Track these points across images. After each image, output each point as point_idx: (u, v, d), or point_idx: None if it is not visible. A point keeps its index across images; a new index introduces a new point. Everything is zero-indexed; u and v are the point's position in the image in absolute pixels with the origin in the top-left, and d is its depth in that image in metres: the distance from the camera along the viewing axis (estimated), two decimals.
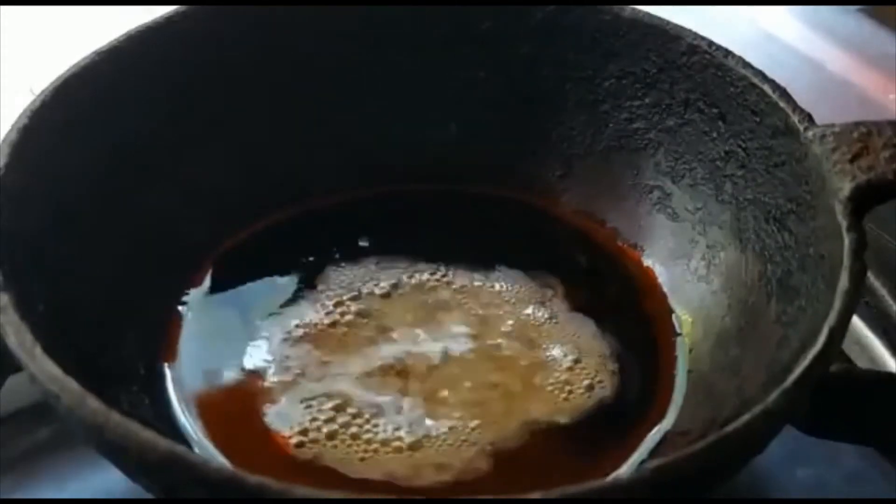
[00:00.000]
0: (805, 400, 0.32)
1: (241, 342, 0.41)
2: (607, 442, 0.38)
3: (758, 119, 0.40)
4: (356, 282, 0.43)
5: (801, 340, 0.34)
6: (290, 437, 0.37)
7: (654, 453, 0.37)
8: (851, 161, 0.35)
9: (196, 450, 0.37)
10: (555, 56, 0.45)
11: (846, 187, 0.35)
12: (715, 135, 0.42)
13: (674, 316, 0.42)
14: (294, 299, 0.42)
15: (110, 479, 0.33)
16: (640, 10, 0.43)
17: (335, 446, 0.37)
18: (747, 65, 0.41)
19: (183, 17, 0.43)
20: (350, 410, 0.38)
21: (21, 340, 0.31)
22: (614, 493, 0.29)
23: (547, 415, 0.39)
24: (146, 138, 0.42)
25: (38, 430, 0.41)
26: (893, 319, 0.45)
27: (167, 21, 0.42)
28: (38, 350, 0.31)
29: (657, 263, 0.44)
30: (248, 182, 0.45)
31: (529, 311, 0.42)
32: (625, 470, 0.37)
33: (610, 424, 0.39)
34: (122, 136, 0.41)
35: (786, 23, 0.63)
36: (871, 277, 0.45)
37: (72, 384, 0.30)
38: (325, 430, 0.38)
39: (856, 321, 0.45)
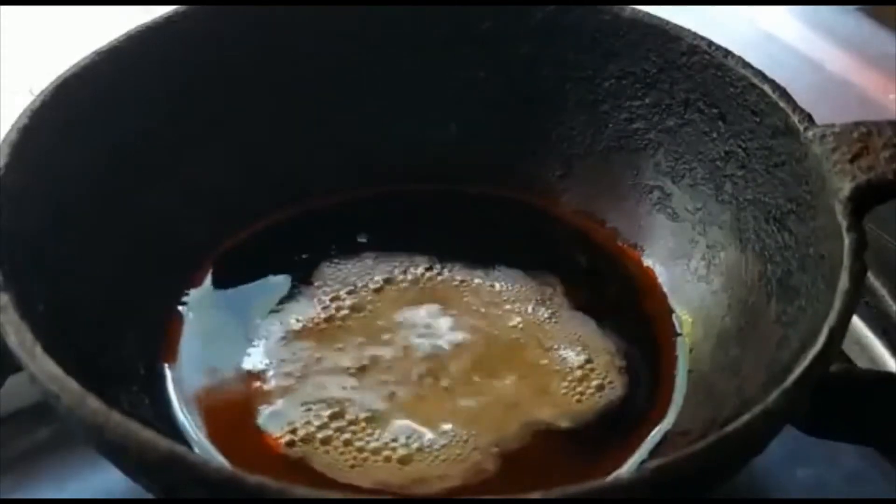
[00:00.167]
0: (805, 400, 0.32)
1: (241, 342, 0.41)
2: (608, 442, 0.38)
3: (758, 119, 0.40)
4: (356, 280, 0.43)
5: (801, 340, 0.34)
6: (283, 440, 0.37)
7: (654, 453, 0.37)
8: (851, 161, 0.36)
9: (196, 450, 0.37)
10: (555, 56, 0.45)
11: (846, 187, 0.35)
12: (715, 135, 0.42)
13: (674, 316, 0.42)
14: (294, 299, 0.42)
15: (110, 479, 0.33)
16: (640, 10, 0.43)
17: (327, 451, 0.37)
18: (747, 65, 0.41)
19: (183, 17, 0.43)
20: (347, 417, 0.38)
21: (21, 340, 0.31)
22: (614, 493, 0.29)
23: (555, 417, 0.39)
24: (146, 138, 0.42)
25: (38, 430, 0.41)
26: (893, 319, 0.45)
27: (167, 21, 0.42)
28: (38, 350, 0.31)
29: (657, 263, 0.44)
30: (248, 182, 0.45)
31: (530, 310, 0.42)
32: (625, 470, 0.37)
33: (611, 424, 0.39)
34: (122, 136, 0.41)
35: (786, 23, 0.63)
36: (871, 277, 0.45)
37: (72, 384, 0.30)
38: (319, 435, 0.37)
39: (856, 321, 0.45)
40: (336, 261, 0.44)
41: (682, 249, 0.43)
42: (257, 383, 0.39)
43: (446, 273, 0.44)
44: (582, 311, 0.42)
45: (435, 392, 0.39)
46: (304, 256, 0.44)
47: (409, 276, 0.43)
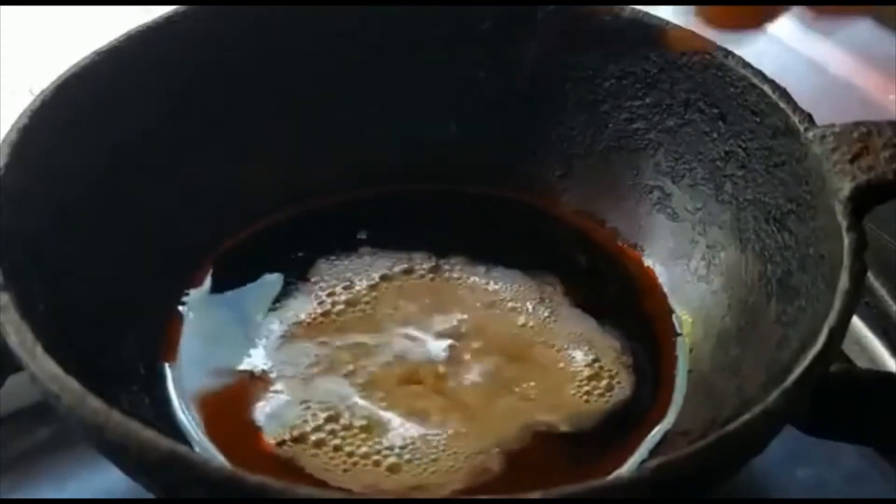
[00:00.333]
0: (805, 400, 0.32)
1: (241, 341, 0.41)
2: (608, 442, 0.38)
3: (758, 119, 0.40)
4: (355, 278, 0.43)
5: (801, 340, 0.34)
6: (278, 441, 0.37)
7: (654, 453, 0.37)
8: (851, 161, 0.36)
9: (196, 449, 0.37)
10: (555, 56, 0.45)
11: (846, 187, 0.35)
12: (715, 135, 0.42)
13: (674, 316, 0.42)
14: (294, 298, 0.42)
15: (110, 479, 0.33)
16: (640, 10, 0.44)
17: (315, 455, 0.37)
18: (747, 65, 0.41)
19: (183, 17, 0.43)
20: (342, 421, 0.38)
21: (21, 340, 0.32)
22: (614, 493, 0.29)
23: (559, 420, 0.39)
24: (146, 138, 0.42)
25: (38, 430, 0.41)
26: (893, 319, 0.45)
27: (167, 21, 0.42)
28: (38, 349, 0.31)
29: (657, 263, 0.44)
30: (248, 182, 0.45)
31: (530, 310, 0.42)
32: (625, 470, 0.37)
33: (611, 424, 0.39)
34: (122, 136, 0.41)
35: (786, 23, 0.63)
36: (871, 277, 0.45)
37: (72, 384, 0.30)
38: (313, 437, 0.37)
39: (856, 321, 0.45)
40: (335, 259, 0.44)
41: (682, 249, 0.43)
42: (257, 383, 0.39)
43: (446, 273, 0.44)
44: (582, 310, 0.42)
45: (433, 395, 0.39)
46: (303, 256, 0.44)
47: (409, 276, 0.43)
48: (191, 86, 0.43)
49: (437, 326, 0.41)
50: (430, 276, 0.43)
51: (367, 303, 0.42)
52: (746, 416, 0.30)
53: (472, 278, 0.43)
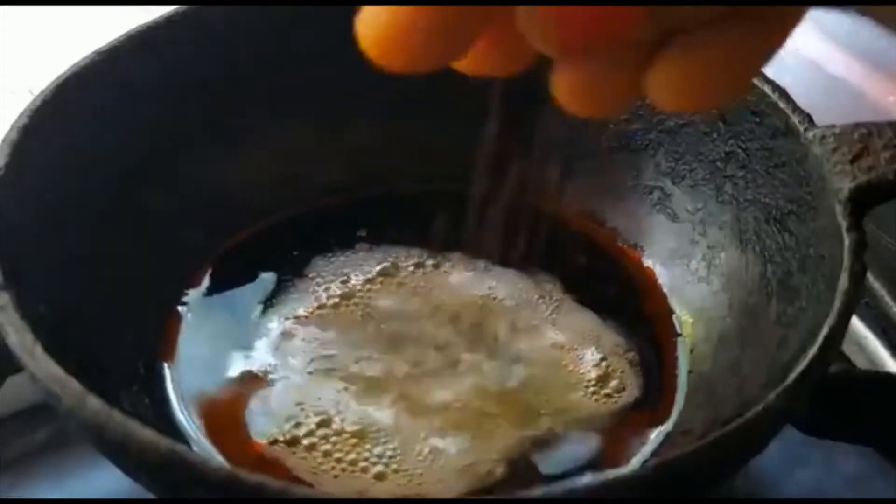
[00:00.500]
0: (805, 400, 0.32)
1: (240, 341, 0.41)
2: (608, 442, 0.38)
3: (758, 120, 0.40)
4: (354, 277, 0.43)
5: (801, 341, 0.34)
6: (271, 443, 0.37)
7: (654, 453, 0.38)
8: (851, 162, 0.36)
9: (195, 449, 0.37)
10: None
11: (846, 188, 0.35)
12: (715, 135, 0.42)
13: (674, 316, 0.42)
14: (294, 298, 0.42)
15: (110, 479, 0.33)
16: None
17: (304, 458, 0.37)
18: None
19: (183, 17, 0.43)
20: (334, 426, 0.38)
21: (21, 340, 0.31)
22: (614, 493, 0.29)
23: (564, 423, 0.39)
24: (146, 138, 0.42)
25: (38, 431, 0.41)
26: (893, 319, 0.45)
27: (167, 21, 0.42)
28: (38, 349, 0.31)
29: (657, 264, 0.44)
30: (248, 182, 0.45)
31: (530, 310, 0.42)
32: (625, 469, 0.37)
33: (612, 424, 0.39)
34: (121, 136, 0.41)
35: None
36: (871, 278, 0.45)
37: (73, 384, 0.30)
38: (304, 441, 0.37)
39: (855, 321, 0.45)
40: (334, 258, 0.44)
41: (682, 250, 0.43)
42: (255, 383, 0.39)
43: (446, 273, 0.44)
44: (581, 311, 0.42)
45: (430, 399, 0.39)
46: (302, 256, 0.44)
47: (409, 276, 0.43)
48: (191, 86, 0.43)
49: (437, 326, 0.41)
50: (431, 276, 0.43)
51: (366, 304, 0.42)
52: (746, 416, 0.30)
53: (471, 278, 0.43)
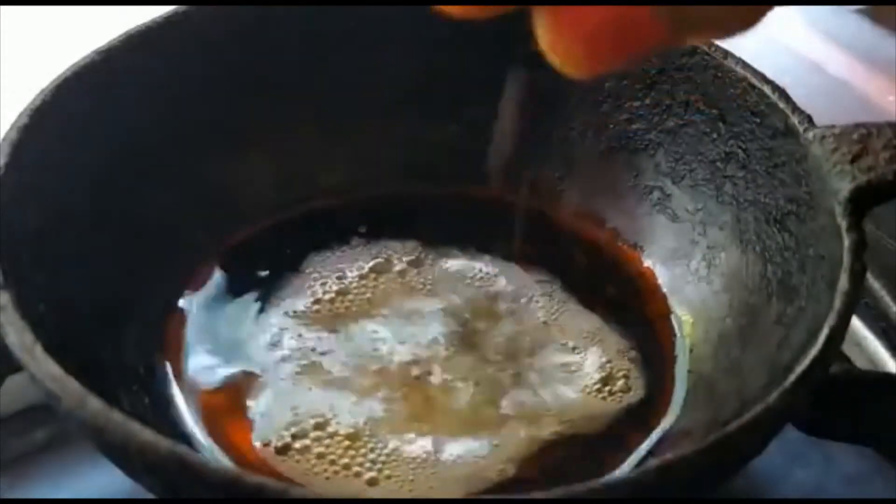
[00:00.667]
0: (805, 400, 0.32)
1: (240, 341, 0.41)
2: (608, 442, 0.38)
3: (758, 120, 0.40)
4: (354, 276, 0.43)
5: (801, 341, 0.34)
6: (267, 444, 0.37)
7: (654, 453, 0.38)
8: (851, 162, 0.36)
9: (196, 449, 0.37)
10: None
11: (846, 188, 0.35)
12: (715, 136, 0.42)
13: (674, 317, 0.42)
14: (293, 298, 0.42)
15: (110, 479, 0.33)
16: None
17: (298, 461, 0.37)
18: (747, 66, 0.41)
19: (183, 17, 0.43)
20: (329, 429, 0.38)
21: (21, 340, 0.31)
22: (615, 493, 0.29)
23: (566, 424, 0.38)
24: (146, 138, 0.42)
25: (38, 431, 0.41)
26: (893, 320, 0.45)
27: (167, 21, 0.42)
28: (38, 350, 0.31)
29: (657, 264, 0.44)
30: (248, 182, 0.45)
31: (529, 310, 0.42)
32: (626, 470, 0.37)
33: (612, 425, 0.39)
34: (121, 136, 0.41)
35: (786, 24, 0.63)
36: (871, 278, 0.45)
37: (72, 384, 0.30)
38: (296, 445, 0.37)
39: (855, 322, 0.45)
40: (334, 258, 0.44)
41: (682, 250, 0.43)
42: (254, 383, 0.39)
43: (446, 274, 0.44)
44: (581, 311, 0.42)
45: (429, 402, 0.39)
46: (302, 255, 0.44)
47: (410, 276, 0.43)
48: (190, 85, 0.43)
49: (436, 326, 0.41)
50: (431, 277, 0.43)
51: (366, 303, 0.42)
52: (747, 417, 0.30)
53: (472, 279, 0.43)
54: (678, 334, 0.42)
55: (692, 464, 0.29)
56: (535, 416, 0.39)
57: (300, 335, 0.41)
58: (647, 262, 0.44)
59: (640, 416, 0.39)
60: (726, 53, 0.41)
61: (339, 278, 0.43)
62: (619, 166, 0.45)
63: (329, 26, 0.45)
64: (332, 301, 0.42)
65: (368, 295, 0.43)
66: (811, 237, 0.37)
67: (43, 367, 0.31)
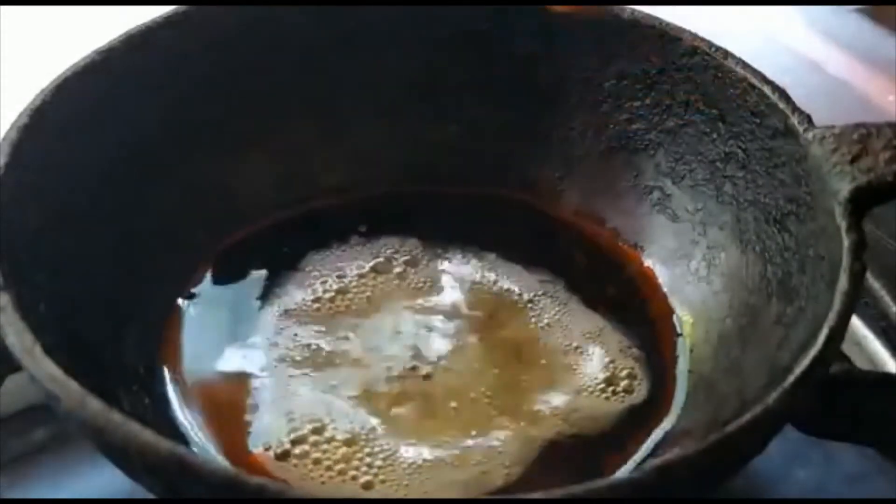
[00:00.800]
0: (805, 400, 0.32)
1: (240, 341, 0.41)
2: (608, 442, 0.38)
3: (757, 120, 0.40)
4: (356, 276, 0.43)
5: (800, 341, 0.34)
6: (266, 448, 0.37)
7: (655, 453, 0.38)
8: (851, 162, 0.36)
9: (196, 449, 0.37)
10: (555, 57, 0.45)
11: (845, 189, 0.35)
12: (715, 136, 0.42)
13: (674, 317, 0.42)
14: (294, 298, 0.42)
15: (110, 479, 0.33)
16: (640, 11, 0.44)
17: (296, 465, 0.37)
18: (747, 66, 0.41)
19: (183, 17, 0.43)
20: (326, 434, 0.37)
21: (21, 341, 0.31)
22: (615, 494, 0.29)
23: (568, 425, 0.39)
24: (146, 138, 0.42)
25: (38, 430, 0.41)
26: (893, 319, 0.45)
27: (167, 21, 0.42)
28: (37, 350, 0.31)
29: (658, 264, 0.44)
30: (248, 182, 0.45)
31: (529, 310, 0.42)
32: (626, 470, 0.37)
33: (613, 425, 0.39)
34: (121, 136, 0.41)
35: (786, 23, 0.63)
36: (871, 278, 0.45)
37: (72, 385, 0.30)
38: (295, 450, 0.37)
39: (855, 322, 0.45)
40: (335, 258, 0.44)
41: (682, 250, 0.43)
42: (253, 384, 0.39)
43: (447, 274, 0.44)
44: (581, 311, 0.42)
45: (428, 404, 0.39)
46: (302, 255, 0.44)
47: (410, 275, 0.43)
48: (190, 86, 0.43)
49: (437, 326, 0.41)
50: (430, 275, 0.43)
51: (367, 303, 0.42)
52: (747, 417, 0.30)
53: (472, 279, 0.43)
54: (678, 334, 0.42)
55: (692, 464, 0.29)
56: (536, 417, 0.39)
57: (300, 335, 0.41)
58: (648, 262, 0.44)
59: (641, 417, 0.39)
60: (726, 54, 0.41)
61: (339, 277, 0.43)
62: (619, 166, 0.45)
63: (329, 26, 0.45)
64: (332, 300, 0.42)
65: (368, 293, 0.43)
66: (811, 237, 0.37)
67: (42, 367, 0.31)
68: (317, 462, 0.37)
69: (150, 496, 0.32)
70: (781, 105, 0.39)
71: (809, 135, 0.37)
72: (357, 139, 0.46)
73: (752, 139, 0.40)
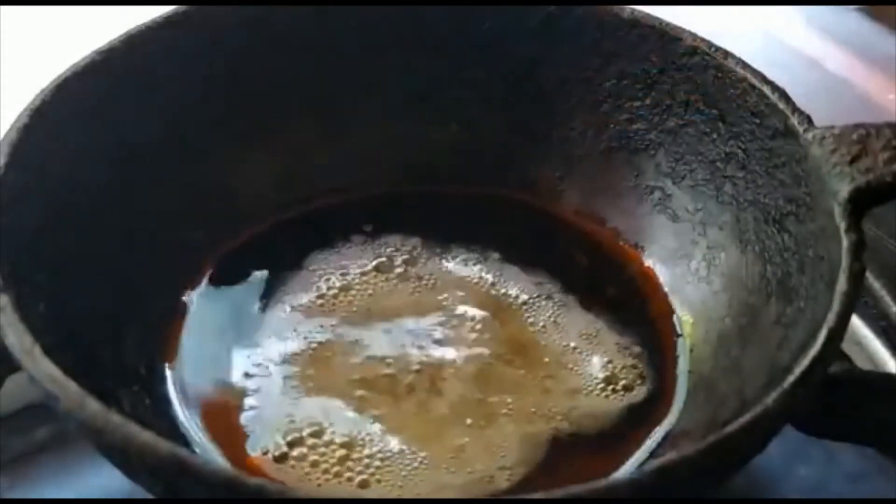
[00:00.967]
0: (805, 400, 0.32)
1: (241, 342, 0.41)
2: (609, 442, 0.38)
3: (757, 120, 0.40)
4: (358, 274, 0.43)
5: (800, 341, 0.34)
6: (264, 451, 0.37)
7: (654, 453, 0.38)
8: (850, 163, 0.36)
9: (196, 450, 0.37)
10: (555, 57, 0.45)
11: (845, 189, 0.35)
12: (715, 136, 0.42)
13: (675, 316, 0.42)
14: (294, 299, 0.42)
15: (110, 479, 0.33)
16: (640, 11, 0.43)
17: (293, 467, 0.37)
18: (747, 66, 0.41)
19: (183, 17, 0.43)
20: (325, 437, 0.37)
21: (21, 341, 0.31)
22: (614, 493, 0.29)
23: (568, 424, 0.39)
24: (146, 138, 0.42)
25: (38, 430, 0.41)
26: (893, 319, 0.45)
27: (167, 21, 0.42)
28: (37, 351, 0.31)
29: (658, 264, 0.44)
30: (249, 182, 0.45)
31: (529, 310, 0.42)
32: (626, 470, 0.37)
33: (612, 425, 0.39)
34: (121, 136, 0.41)
35: (786, 23, 0.63)
36: (871, 278, 0.45)
37: (71, 385, 0.30)
38: (294, 452, 0.37)
39: (856, 321, 0.45)
40: (335, 257, 0.44)
41: (682, 250, 0.43)
42: (253, 384, 0.39)
43: (447, 273, 0.44)
44: (582, 311, 0.42)
45: (428, 405, 0.39)
46: (303, 255, 0.44)
47: (410, 275, 0.43)
48: (191, 86, 0.43)
49: (437, 327, 0.41)
50: (430, 275, 0.43)
51: (368, 304, 0.42)
52: (747, 417, 0.30)
53: (472, 279, 0.43)
54: (679, 334, 0.42)
55: (692, 464, 0.29)
56: (536, 417, 0.39)
57: (302, 334, 0.41)
58: (648, 262, 0.44)
59: (641, 416, 0.39)
60: (726, 54, 0.41)
61: (342, 275, 0.43)
62: (619, 166, 0.45)
63: (329, 26, 0.45)
64: (335, 296, 0.42)
65: (370, 291, 0.43)
66: (810, 238, 0.37)
67: (42, 368, 0.31)
68: (314, 465, 0.37)
69: (150, 496, 0.32)
70: (781, 105, 0.39)
71: (809, 135, 0.37)
72: (357, 139, 0.46)
73: (752, 139, 0.40)
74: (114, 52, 0.41)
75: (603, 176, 0.45)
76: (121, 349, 0.39)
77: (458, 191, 0.46)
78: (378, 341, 0.41)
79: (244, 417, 0.38)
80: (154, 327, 0.40)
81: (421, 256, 0.44)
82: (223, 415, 0.39)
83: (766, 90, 0.39)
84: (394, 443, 0.37)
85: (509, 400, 0.39)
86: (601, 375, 0.40)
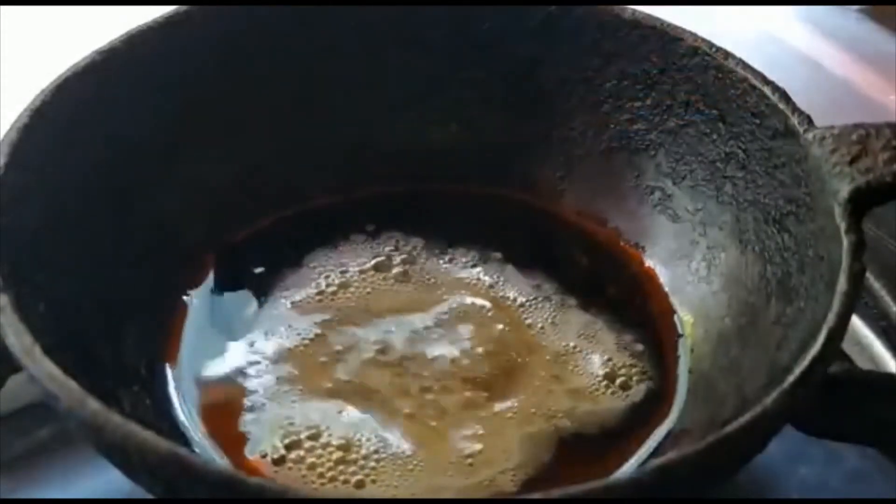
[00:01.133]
0: (805, 400, 0.32)
1: (241, 341, 0.41)
2: (608, 442, 0.38)
3: (758, 121, 0.40)
4: (357, 277, 0.43)
5: (800, 341, 0.34)
6: (262, 454, 0.37)
7: (655, 453, 0.38)
8: (850, 163, 0.36)
9: (196, 450, 0.37)
10: (555, 57, 0.45)
11: (845, 189, 0.35)
12: (715, 136, 0.42)
13: (675, 316, 0.42)
14: (294, 299, 0.42)
15: (111, 479, 0.33)
16: (640, 12, 0.44)
17: (291, 469, 0.37)
18: (747, 66, 0.41)
19: (183, 17, 0.43)
20: (322, 440, 0.37)
21: (21, 341, 0.31)
22: (614, 493, 0.29)
23: (568, 424, 0.39)
24: (146, 138, 0.42)
25: (38, 430, 0.42)
26: (893, 319, 0.45)
27: (167, 21, 0.42)
28: (37, 350, 0.31)
29: (658, 264, 0.44)
30: (248, 182, 0.45)
31: (530, 310, 0.42)
32: (626, 470, 0.37)
33: (612, 424, 0.39)
34: (122, 136, 0.41)
35: (786, 23, 0.63)
36: (871, 278, 0.45)
37: (71, 385, 0.30)
38: (291, 455, 0.37)
39: (856, 322, 0.45)
40: (335, 257, 0.44)
41: (683, 250, 0.43)
42: (254, 384, 0.39)
43: (447, 273, 0.44)
44: (583, 311, 0.42)
45: (426, 406, 0.39)
46: (303, 255, 0.44)
47: (410, 274, 0.43)
48: (191, 85, 0.43)
49: (437, 327, 0.41)
50: (430, 275, 0.43)
51: (368, 304, 0.42)
52: (746, 417, 0.30)
53: (472, 279, 0.43)
54: (679, 334, 0.42)
55: (692, 464, 0.29)
56: (537, 417, 0.39)
57: (301, 333, 0.41)
58: (649, 262, 0.44)
59: (641, 416, 0.39)
60: (727, 54, 0.41)
61: (342, 272, 0.43)
62: (620, 166, 0.45)
63: (329, 26, 0.45)
64: (334, 293, 0.42)
65: (369, 290, 0.43)
66: (810, 238, 0.37)
67: (42, 368, 0.31)
68: (311, 467, 0.37)
69: (150, 496, 0.32)
70: (781, 105, 0.39)
71: (809, 135, 0.37)
72: (357, 139, 0.46)
73: (752, 139, 0.40)
74: (114, 52, 0.41)
75: (603, 176, 0.45)
76: (121, 349, 0.39)
77: (458, 191, 0.46)
78: (376, 340, 0.41)
79: (243, 418, 0.38)
80: (154, 327, 0.40)
81: (420, 256, 0.44)
82: (223, 415, 0.39)
83: (767, 90, 0.39)
84: (392, 443, 0.37)
85: (510, 400, 0.39)
86: (602, 373, 0.40)
